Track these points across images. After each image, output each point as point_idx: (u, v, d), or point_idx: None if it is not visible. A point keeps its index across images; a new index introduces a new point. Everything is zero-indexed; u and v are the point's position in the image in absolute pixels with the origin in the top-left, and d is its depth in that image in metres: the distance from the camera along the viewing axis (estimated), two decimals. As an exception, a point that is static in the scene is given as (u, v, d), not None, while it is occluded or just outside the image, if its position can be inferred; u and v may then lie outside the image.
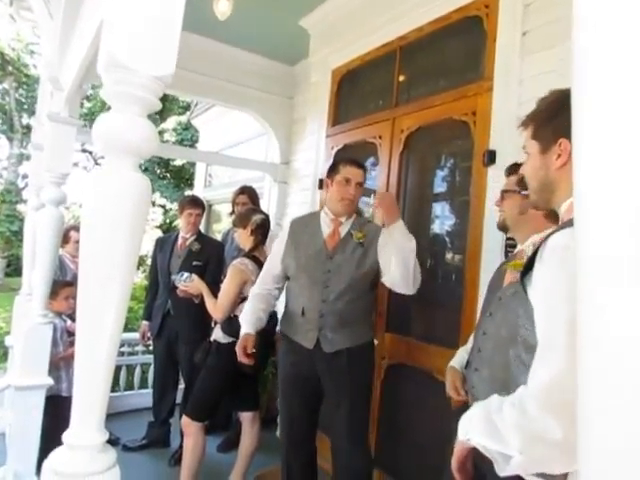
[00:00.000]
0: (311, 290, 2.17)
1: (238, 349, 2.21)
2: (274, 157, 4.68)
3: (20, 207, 15.64)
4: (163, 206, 16.57)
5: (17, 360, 2.97)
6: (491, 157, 2.31)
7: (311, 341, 2.18)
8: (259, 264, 2.69)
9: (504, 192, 1.57)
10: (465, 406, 1.50)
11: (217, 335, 2.71)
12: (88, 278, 0.99)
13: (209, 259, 3.51)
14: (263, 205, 4.50)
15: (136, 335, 3.85)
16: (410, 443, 2.64)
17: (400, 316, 2.67)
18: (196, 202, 3.58)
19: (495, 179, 2.30)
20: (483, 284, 2.32)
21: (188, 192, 15.94)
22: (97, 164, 17.60)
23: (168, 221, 15.69)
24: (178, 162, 15.66)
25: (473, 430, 0.93)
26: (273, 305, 2.43)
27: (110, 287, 0.97)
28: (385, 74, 3.22)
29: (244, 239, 2.81)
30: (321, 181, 3.63)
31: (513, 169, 1.56)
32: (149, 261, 3.76)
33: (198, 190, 7.58)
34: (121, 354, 4.34)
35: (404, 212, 2.98)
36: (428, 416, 2.60)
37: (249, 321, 2.28)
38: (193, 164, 12.91)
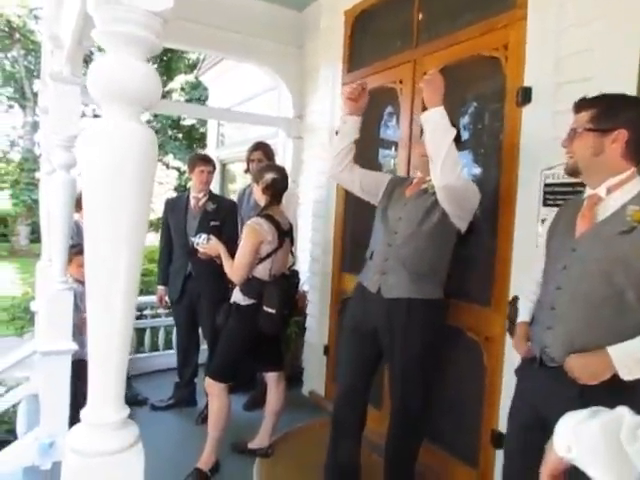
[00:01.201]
0: (381, 234, 2.16)
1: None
2: (287, 111, 4.51)
3: (38, 175, 15.76)
4: (178, 168, 16.52)
5: (41, 326, 2.98)
6: (526, 95, 2.10)
7: (375, 284, 2.15)
8: (274, 223, 2.62)
9: (574, 131, 1.41)
10: (530, 358, 1.48)
11: (236, 297, 2.66)
12: (94, 245, 0.90)
13: (225, 219, 3.45)
14: (278, 162, 4.35)
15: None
16: (442, 402, 2.59)
17: (457, 281, 2.55)
18: (206, 159, 3.50)
19: (532, 119, 2.09)
20: (519, 235, 2.15)
21: (200, 151, 15.97)
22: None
23: (183, 183, 15.66)
24: (189, 122, 15.41)
25: (586, 454, 0.73)
26: (350, 160, 2.34)
27: (118, 254, 0.89)
28: (403, 12, 2.98)
29: (258, 196, 2.74)
30: (336, 133, 3.46)
31: (583, 104, 1.41)
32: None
33: (211, 150, 7.45)
34: (144, 317, 4.34)
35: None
36: (460, 375, 2.53)
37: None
38: (204, 124, 12.71)
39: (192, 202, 3.48)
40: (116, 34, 0.89)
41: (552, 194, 1.96)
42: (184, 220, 3.46)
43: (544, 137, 2.03)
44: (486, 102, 2.54)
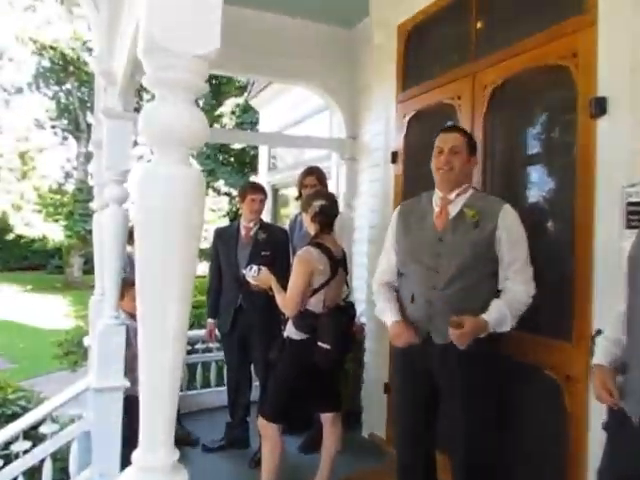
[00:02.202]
0: (420, 276, 2.15)
1: (397, 335, 2.18)
2: (340, 132, 4.58)
3: (92, 205, 16.78)
4: (228, 194, 17.07)
5: (94, 362, 3.13)
6: (601, 105, 2.03)
7: (422, 331, 2.16)
8: (326, 251, 2.65)
9: None
10: (621, 413, 1.44)
11: (289, 331, 2.69)
12: (145, 280, 0.99)
13: (276, 248, 3.52)
14: (331, 186, 4.41)
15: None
16: (520, 453, 2.45)
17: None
18: (257, 187, 3.61)
19: (609, 131, 2.02)
20: (600, 261, 2.06)
21: (253, 177, 16.52)
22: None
23: (235, 209, 16.15)
24: (238, 145, 15.95)
25: None
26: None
27: (168, 289, 0.96)
28: (460, 22, 2.98)
29: (308, 225, 2.79)
30: (394, 154, 3.49)
31: None
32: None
33: (262, 174, 7.66)
34: (195, 351, 4.46)
35: (492, 181, 2.75)
36: (536, 421, 2.40)
37: (393, 308, 2.24)
38: (255, 147, 13.11)
39: (242, 232, 3.56)
40: (164, 79, 0.97)
41: (636, 214, 1.88)
42: (234, 250, 3.54)
43: (623, 150, 1.95)
44: (555, 115, 2.48)
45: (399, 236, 2.29)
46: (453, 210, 2.16)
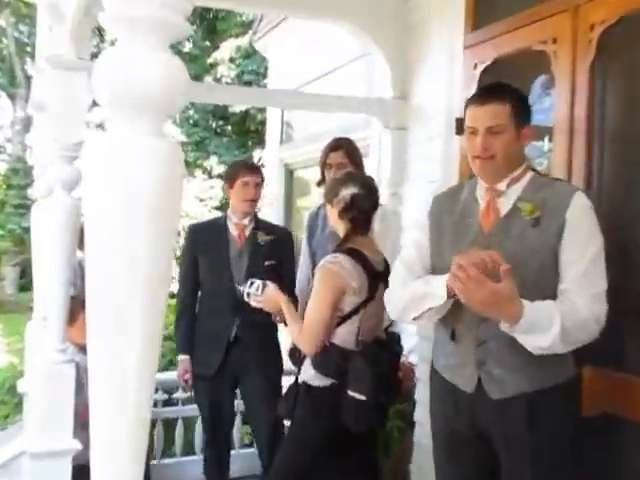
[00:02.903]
0: (463, 304, 2.10)
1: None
2: (383, 90, 4.57)
3: (31, 192, 16.77)
4: (224, 176, 17.27)
5: (31, 416, 3.18)
6: None
7: (470, 381, 2.19)
8: (362, 261, 2.68)
9: None
10: None
11: (307, 375, 2.73)
12: (97, 301, 1.00)
13: (283, 255, 3.61)
14: (369, 167, 4.43)
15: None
16: None
17: (606, 338, 2.48)
18: (253, 166, 3.70)
19: None
20: None
21: (258, 153, 16.56)
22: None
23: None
24: (239, 107, 16.16)
25: None
26: None
27: (131, 313, 0.98)
28: None
29: (334, 222, 2.83)
30: (460, 122, 3.49)
31: None
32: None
33: (272, 149, 7.77)
34: (172, 402, 4.47)
35: (602, 172, 2.76)
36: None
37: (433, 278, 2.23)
38: (262, 110, 13.20)
39: (233, 231, 3.64)
40: (130, 17, 0.97)
41: None
42: (225, 258, 3.61)
43: None
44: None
45: (431, 246, 2.32)
46: (505, 205, 2.18)
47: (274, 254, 3.56)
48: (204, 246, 3.67)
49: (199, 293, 3.73)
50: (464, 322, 2.17)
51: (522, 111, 2.20)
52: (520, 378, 2.10)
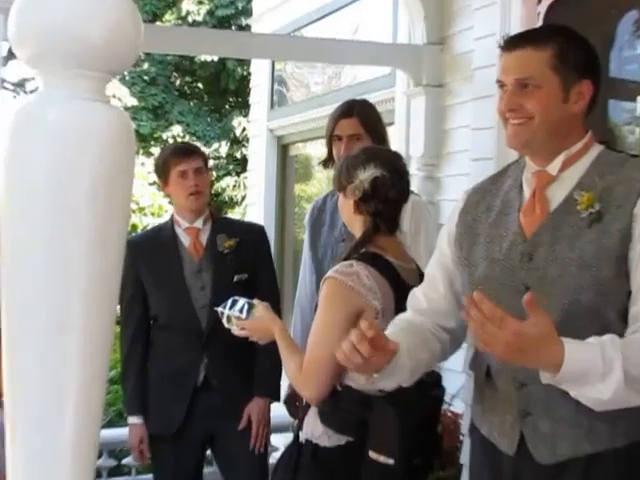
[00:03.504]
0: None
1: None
2: (412, 35, 4.63)
3: None
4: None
5: None
6: None
7: (510, 438, 2.18)
8: (386, 271, 2.67)
9: None
10: None
11: (312, 431, 2.71)
12: (12, 331, 1.00)
13: (258, 263, 3.69)
14: (396, 138, 4.41)
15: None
16: None
17: None
18: (187, 148, 3.80)
19: None
20: None
21: (239, 122, 16.52)
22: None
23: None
24: (211, 59, 16.17)
25: None
26: (437, 355, 2.38)
27: (62, 347, 0.98)
28: None
29: (348, 216, 2.83)
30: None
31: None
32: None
33: (258, 116, 7.80)
34: (122, 471, 4.56)
35: None
36: None
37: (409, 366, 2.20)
38: (244, 63, 13.19)
39: (185, 240, 3.70)
40: None
41: None
42: (180, 278, 3.66)
43: None
44: None
45: (459, 252, 2.33)
46: (557, 195, 2.15)
47: (245, 264, 3.62)
48: (150, 265, 3.72)
49: (150, 331, 3.76)
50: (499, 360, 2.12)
51: (574, 60, 2.13)
52: (578, 435, 2.08)
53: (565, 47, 2.13)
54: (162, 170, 3.71)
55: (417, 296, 2.43)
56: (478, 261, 2.25)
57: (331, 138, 3.62)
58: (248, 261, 3.63)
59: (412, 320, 2.38)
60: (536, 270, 2.11)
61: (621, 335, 1.98)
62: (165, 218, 4.25)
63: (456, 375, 3.68)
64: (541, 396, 2.09)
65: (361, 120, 3.58)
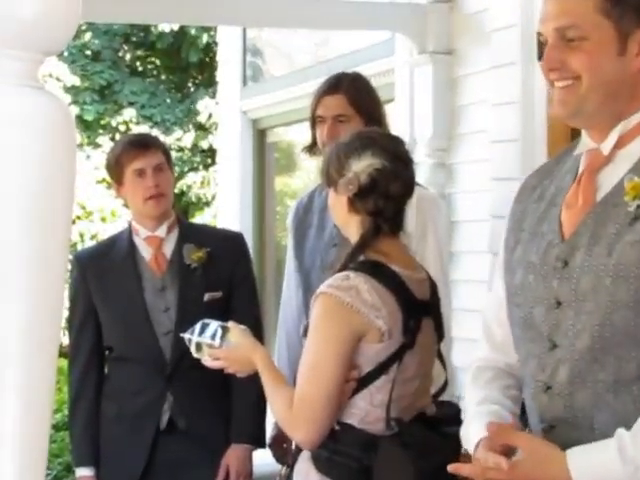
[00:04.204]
0: (532, 358, 2.16)
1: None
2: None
3: None
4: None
5: None
6: None
7: None
8: (391, 284, 2.67)
9: None
10: None
11: (304, 477, 2.71)
12: None
13: (234, 278, 3.69)
14: (398, 117, 4.42)
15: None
16: None
17: None
18: (144, 140, 3.83)
19: None
20: None
21: (204, 104, 16.40)
22: None
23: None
24: (168, 26, 16.22)
25: None
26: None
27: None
28: None
29: (341, 216, 2.83)
30: (541, 44, 3.49)
31: None
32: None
33: (228, 95, 7.83)
34: None
35: None
36: None
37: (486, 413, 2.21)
38: (208, 30, 13.18)
39: (145, 252, 3.72)
40: None
41: None
42: (139, 299, 3.66)
43: None
44: None
45: (504, 254, 2.32)
46: (607, 182, 2.08)
47: (218, 280, 3.64)
48: (103, 285, 3.72)
49: (104, 363, 3.77)
50: (530, 389, 2.18)
51: (631, 5, 2.03)
52: None
53: None
54: (115, 169, 3.71)
55: (489, 324, 2.42)
56: (516, 266, 2.24)
57: (314, 120, 3.65)
58: (222, 276, 3.65)
59: (498, 366, 2.38)
60: (569, 280, 2.06)
61: None
62: (119, 225, 4.19)
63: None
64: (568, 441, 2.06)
65: (349, 97, 3.59)
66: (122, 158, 3.67)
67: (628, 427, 1.86)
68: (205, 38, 15.73)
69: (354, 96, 3.59)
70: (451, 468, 2.01)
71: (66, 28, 1.02)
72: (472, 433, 2.15)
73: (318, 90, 3.69)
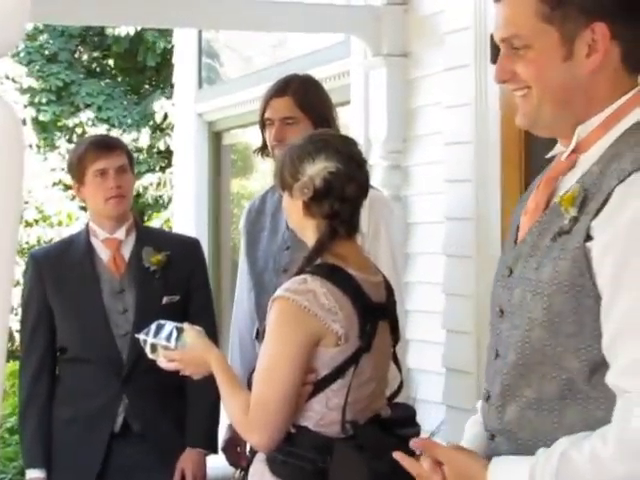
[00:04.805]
0: (486, 365, 2.18)
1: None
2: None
3: None
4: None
5: None
6: None
7: None
8: (348, 287, 2.66)
9: None
10: None
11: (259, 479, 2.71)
12: None
13: (191, 282, 3.70)
14: (353, 119, 4.41)
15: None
16: None
17: None
18: (107, 142, 3.82)
19: None
20: None
21: (160, 105, 16.36)
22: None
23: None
24: (125, 29, 16.16)
25: None
26: None
27: None
28: None
29: (296, 220, 2.82)
30: (496, 46, 3.49)
31: None
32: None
33: (183, 97, 7.80)
34: None
35: None
36: None
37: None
38: (164, 33, 13.14)
39: (103, 254, 3.70)
40: None
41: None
42: (96, 300, 3.65)
43: None
44: None
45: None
46: (563, 189, 2.02)
47: (176, 283, 3.64)
48: (59, 285, 3.70)
49: (56, 365, 3.73)
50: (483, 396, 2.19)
51: (574, 5, 1.93)
52: None
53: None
54: (77, 168, 3.70)
55: None
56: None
57: (263, 122, 3.66)
58: (179, 281, 3.66)
59: None
60: (509, 290, 2.05)
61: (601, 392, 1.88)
62: (76, 228, 4.17)
63: (434, 407, 3.69)
64: (505, 449, 2.07)
65: (296, 99, 3.59)
66: (85, 158, 3.66)
67: (548, 447, 1.85)
68: (162, 44, 15.67)
69: (301, 98, 3.61)
70: (397, 455, 2.01)
71: (14, 29, 1.01)
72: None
73: (266, 93, 3.71)
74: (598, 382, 1.82)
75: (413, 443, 2.02)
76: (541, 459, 1.78)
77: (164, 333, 2.84)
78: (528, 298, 1.92)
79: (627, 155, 1.84)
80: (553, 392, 1.90)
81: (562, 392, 1.88)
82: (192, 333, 2.82)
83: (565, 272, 1.84)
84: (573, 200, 1.87)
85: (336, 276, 2.68)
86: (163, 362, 2.85)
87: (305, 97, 3.61)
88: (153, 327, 2.89)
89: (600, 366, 1.81)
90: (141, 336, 2.95)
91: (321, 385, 2.65)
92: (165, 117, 15.70)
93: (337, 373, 2.65)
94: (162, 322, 2.89)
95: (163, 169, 16.51)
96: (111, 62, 17.77)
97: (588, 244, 1.80)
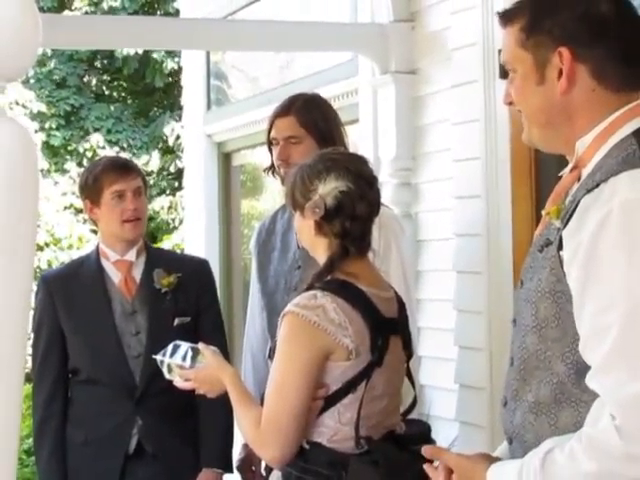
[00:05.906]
0: (507, 372, 2.20)
1: None
2: (375, 12, 4.66)
3: None
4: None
5: None
6: None
7: None
8: (359, 302, 2.65)
9: None
10: None
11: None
12: None
13: (201, 303, 3.69)
14: (362, 137, 4.41)
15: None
16: None
17: None
18: (124, 164, 3.79)
19: None
20: None
21: (171, 128, 16.35)
22: None
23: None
24: (132, 52, 16.17)
25: None
26: None
27: None
28: None
29: (307, 239, 2.81)
30: (503, 69, 3.50)
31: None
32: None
33: (192, 119, 7.82)
34: None
35: None
36: None
37: None
38: (172, 55, 13.18)
39: (114, 276, 3.69)
40: None
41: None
42: (108, 322, 3.64)
43: None
44: None
45: None
46: (567, 202, 2.11)
47: (187, 305, 3.63)
48: (70, 307, 3.68)
49: (69, 387, 3.71)
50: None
51: (551, 26, 1.99)
52: None
53: (538, 13, 2.05)
54: (92, 189, 3.67)
55: None
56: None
57: (269, 142, 3.66)
58: (190, 302, 3.64)
59: None
60: (518, 302, 2.16)
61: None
62: (87, 251, 4.17)
63: (448, 424, 3.67)
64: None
65: (299, 119, 3.59)
66: (102, 178, 3.64)
67: None
68: (170, 64, 15.70)
69: (304, 117, 3.60)
70: (427, 467, 2.08)
71: (25, 54, 1.03)
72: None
73: (272, 113, 3.71)
74: (588, 386, 1.85)
75: (424, 450, 2.08)
76: (527, 458, 1.84)
77: (180, 353, 2.85)
78: (522, 306, 2.06)
79: (603, 167, 1.89)
80: (548, 396, 1.96)
81: (556, 396, 1.94)
82: (207, 353, 2.81)
83: (546, 280, 1.95)
84: (558, 212, 1.97)
85: (346, 291, 2.67)
86: (179, 382, 2.84)
87: (308, 116, 3.61)
88: (170, 348, 2.89)
89: (586, 369, 1.84)
90: (158, 357, 2.95)
91: (332, 400, 2.64)
92: (177, 137, 15.64)
93: (348, 387, 2.64)
94: (178, 343, 2.89)
95: (174, 192, 16.47)
96: (119, 85, 17.78)
97: (561, 252, 1.88)
